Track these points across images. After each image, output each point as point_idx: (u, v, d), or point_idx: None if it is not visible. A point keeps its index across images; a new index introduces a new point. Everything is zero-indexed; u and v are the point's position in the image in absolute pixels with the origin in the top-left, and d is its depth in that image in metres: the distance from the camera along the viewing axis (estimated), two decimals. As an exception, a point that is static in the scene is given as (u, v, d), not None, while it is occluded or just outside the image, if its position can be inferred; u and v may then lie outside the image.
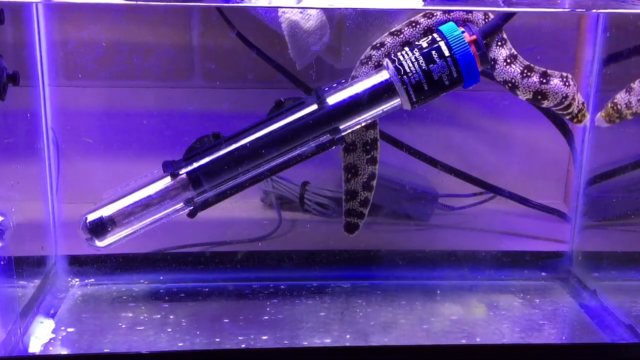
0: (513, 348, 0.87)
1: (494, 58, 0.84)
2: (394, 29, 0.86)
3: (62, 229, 1.01)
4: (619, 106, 0.92)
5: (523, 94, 0.84)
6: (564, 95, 0.84)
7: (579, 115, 0.88)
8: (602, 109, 0.93)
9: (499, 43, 0.83)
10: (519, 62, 0.84)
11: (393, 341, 0.89)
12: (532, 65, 0.84)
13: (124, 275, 1.01)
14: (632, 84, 0.92)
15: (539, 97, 0.84)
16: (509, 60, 0.83)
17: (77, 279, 1.00)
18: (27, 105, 0.95)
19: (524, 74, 0.83)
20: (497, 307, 0.97)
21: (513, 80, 0.84)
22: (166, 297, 0.98)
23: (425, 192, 1.11)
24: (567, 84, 0.84)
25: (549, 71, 0.84)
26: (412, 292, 1.00)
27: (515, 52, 0.84)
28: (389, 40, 0.85)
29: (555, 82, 0.84)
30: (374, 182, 0.90)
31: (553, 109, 0.87)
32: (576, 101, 0.87)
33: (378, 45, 0.85)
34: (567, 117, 0.89)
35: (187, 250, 1.05)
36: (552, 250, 1.08)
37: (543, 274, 1.06)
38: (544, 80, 0.83)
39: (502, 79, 0.84)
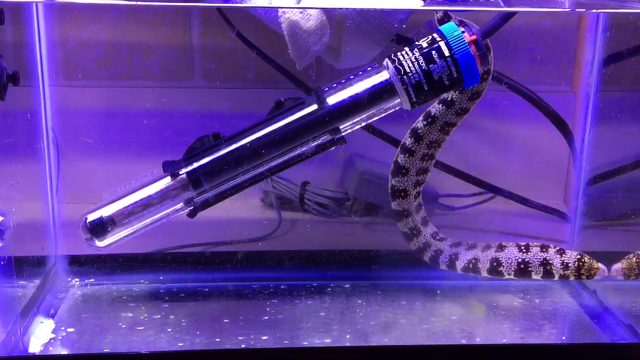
0: (513, 348, 0.87)
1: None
2: None
3: (62, 229, 1.01)
4: None
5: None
6: None
7: None
8: (625, 259, 0.91)
9: None
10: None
11: (393, 341, 0.89)
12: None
13: (124, 275, 1.00)
14: None
15: None
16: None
17: (77, 279, 1.00)
18: (27, 105, 0.95)
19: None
20: (497, 307, 0.97)
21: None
22: (166, 297, 0.98)
23: (425, 192, 1.11)
24: None
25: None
26: (412, 292, 1.00)
27: None
28: None
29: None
30: None
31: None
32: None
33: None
34: None
35: (187, 250, 1.05)
36: (552, 250, 1.08)
37: (543, 274, 1.05)
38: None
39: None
